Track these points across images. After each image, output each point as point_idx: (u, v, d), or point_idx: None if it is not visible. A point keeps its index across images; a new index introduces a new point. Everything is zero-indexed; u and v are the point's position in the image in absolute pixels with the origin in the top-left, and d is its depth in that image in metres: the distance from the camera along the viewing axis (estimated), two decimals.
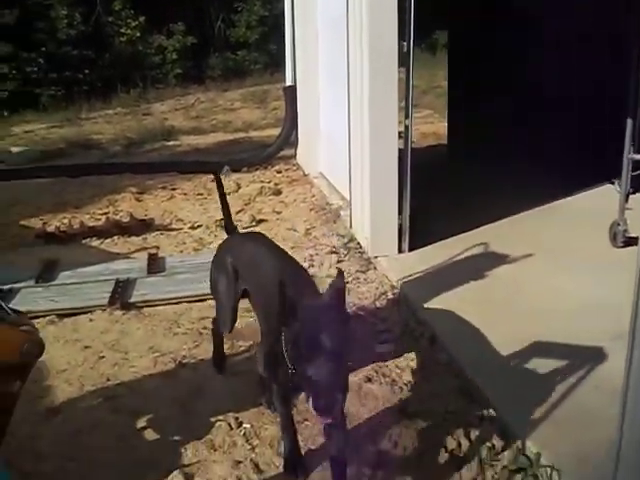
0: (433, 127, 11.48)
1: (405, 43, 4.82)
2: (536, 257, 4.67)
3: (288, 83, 9.08)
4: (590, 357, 3.23)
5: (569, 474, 2.47)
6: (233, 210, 6.48)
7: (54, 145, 11.79)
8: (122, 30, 19.55)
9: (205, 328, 3.92)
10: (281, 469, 2.69)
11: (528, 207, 5.79)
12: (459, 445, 2.82)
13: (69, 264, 5.06)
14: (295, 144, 9.18)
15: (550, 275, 4.35)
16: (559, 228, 5.37)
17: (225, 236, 3.48)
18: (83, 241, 5.87)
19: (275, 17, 18.65)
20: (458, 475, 2.67)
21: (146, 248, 5.57)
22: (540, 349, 3.36)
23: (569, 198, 6.16)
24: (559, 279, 4.26)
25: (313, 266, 4.89)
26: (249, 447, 2.84)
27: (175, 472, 2.69)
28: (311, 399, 2.05)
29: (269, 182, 7.90)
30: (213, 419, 3.02)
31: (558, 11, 7.28)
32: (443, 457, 2.76)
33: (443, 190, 6.53)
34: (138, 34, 19.33)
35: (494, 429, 2.90)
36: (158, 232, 6.02)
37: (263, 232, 5.70)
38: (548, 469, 2.53)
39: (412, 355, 3.54)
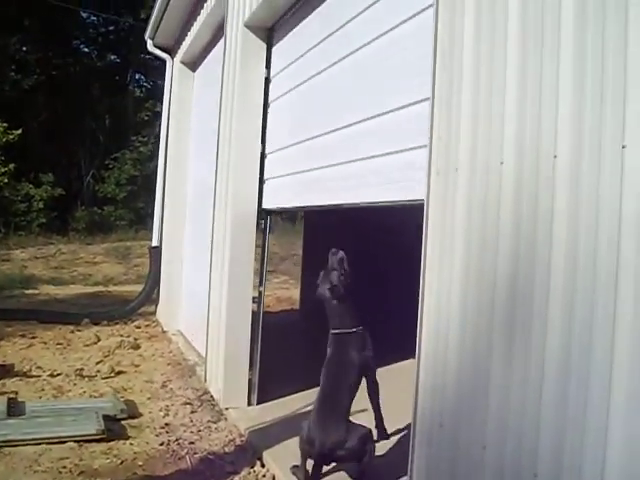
0: (288, 292, 12.36)
1: (263, 221, 5.66)
2: None
3: (154, 244, 9.72)
4: None
5: None
6: (92, 361, 6.88)
7: None
8: None
9: (64, 467, 4.22)
10: None
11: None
12: None
13: None
14: (156, 302, 9.68)
15: None
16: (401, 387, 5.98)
17: None
18: None
19: (145, 177, 19.46)
20: None
21: (4, 393, 5.76)
22: None
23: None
24: None
25: (168, 415, 5.31)
26: None
27: None
28: None
29: (128, 336, 8.27)
30: None
31: None
32: None
33: (293, 350, 7.19)
34: (6, 180, 19.43)
35: None
36: (17, 378, 6.22)
37: (122, 382, 6.16)
38: None
39: None
